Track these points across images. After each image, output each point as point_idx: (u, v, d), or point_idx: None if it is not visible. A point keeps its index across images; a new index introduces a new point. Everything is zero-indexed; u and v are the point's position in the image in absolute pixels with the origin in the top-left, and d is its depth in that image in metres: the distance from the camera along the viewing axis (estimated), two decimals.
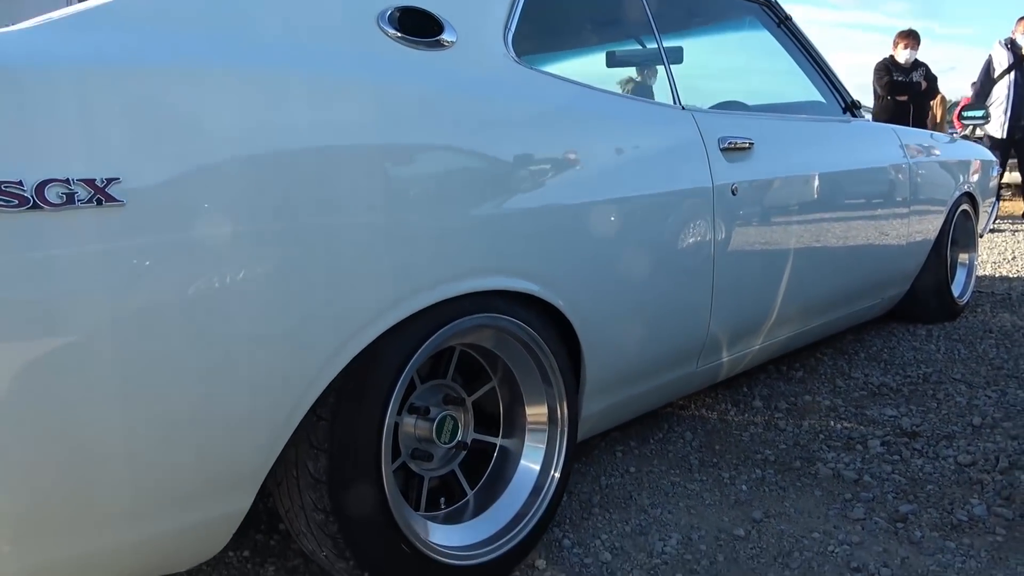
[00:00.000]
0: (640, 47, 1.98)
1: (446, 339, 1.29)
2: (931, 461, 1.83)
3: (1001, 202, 6.28)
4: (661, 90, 1.87)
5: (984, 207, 3.45)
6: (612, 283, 1.58)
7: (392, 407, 1.21)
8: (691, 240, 1.77)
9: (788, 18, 2.44)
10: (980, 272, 4.32)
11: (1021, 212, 6.09)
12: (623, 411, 1.79)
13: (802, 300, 2.26)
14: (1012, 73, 5.71)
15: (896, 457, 1.86)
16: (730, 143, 1.89)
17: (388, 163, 1.18)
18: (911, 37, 5.87)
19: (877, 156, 2.57)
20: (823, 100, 2.55)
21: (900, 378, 2.48)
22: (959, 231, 3.23)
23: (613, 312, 1.59)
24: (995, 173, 3.55)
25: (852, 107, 2.60)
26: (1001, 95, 5.75)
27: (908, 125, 5.84)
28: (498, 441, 1.51)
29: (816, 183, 2.20)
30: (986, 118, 3.54)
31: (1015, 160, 6.44)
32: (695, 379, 1.98)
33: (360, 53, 1.22)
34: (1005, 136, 5.75)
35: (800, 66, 2.54)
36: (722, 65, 2.46)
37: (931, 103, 6.28)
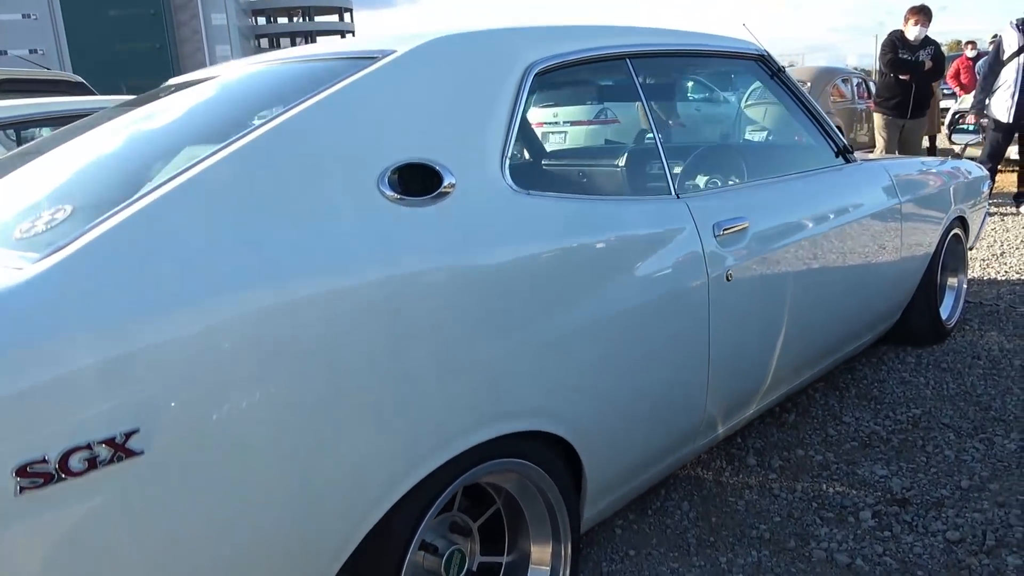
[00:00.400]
0: (636, 136, 1.98)
1: (456, 490, 1.33)
2: (921, 538, 1.90)
3: (997, 174, 6.26)
4: (658, 178, 1.88)
5: (974, 223, 3.48)
6: (613, 398, 1.61)
7: (405, 571, 1.25)
8: (686, 335, 1.80)
9: (781, 70, 2.43)
10: (968, 272, 4.37)
11: (1015, 194, 6.10)
12: (621, 502, 1.84)
13: (798, 360, 2.31)
14: (1022, 56, 5.64)
15: (887, 533, 1.93)
16: (725, 229, 1.90)
17: (394, 335, 1.20)
18: (922, 13, 5.76)
19: (869, 202, 2.59)
20: (816, 146, 2.56)
21: (890, 423, 2.55)
22: (949, 255, 3.27)
23: (614, 426, 1.63)
24: (985, 188, 3.57)
25: (844, 151, 2.60)
26: (1010, 78, 5.67)
27: (909, 103, 5.84)
28: (504, 560, 1.56)
29: (810, 246, 2.23)
30: (978, 132, 3.53)
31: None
32: (690, 455, 2.03)
33: (363, 224, 1.22)
34: (1011, 120, 5.71)
35: (793, 115, 2.54)
36: (724, 116, 2.45)
37: (934, 84, 6.21)
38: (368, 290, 1.17)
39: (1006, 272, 4.42)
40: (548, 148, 1.83)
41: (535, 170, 1.63)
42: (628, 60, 1.89)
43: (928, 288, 3.08)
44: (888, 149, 6.00)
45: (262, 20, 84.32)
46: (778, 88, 2.46)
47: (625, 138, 2.03)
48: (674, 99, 2.07)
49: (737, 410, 2.10)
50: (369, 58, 1.46)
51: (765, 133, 2.71)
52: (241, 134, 1.21)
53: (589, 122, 1.99)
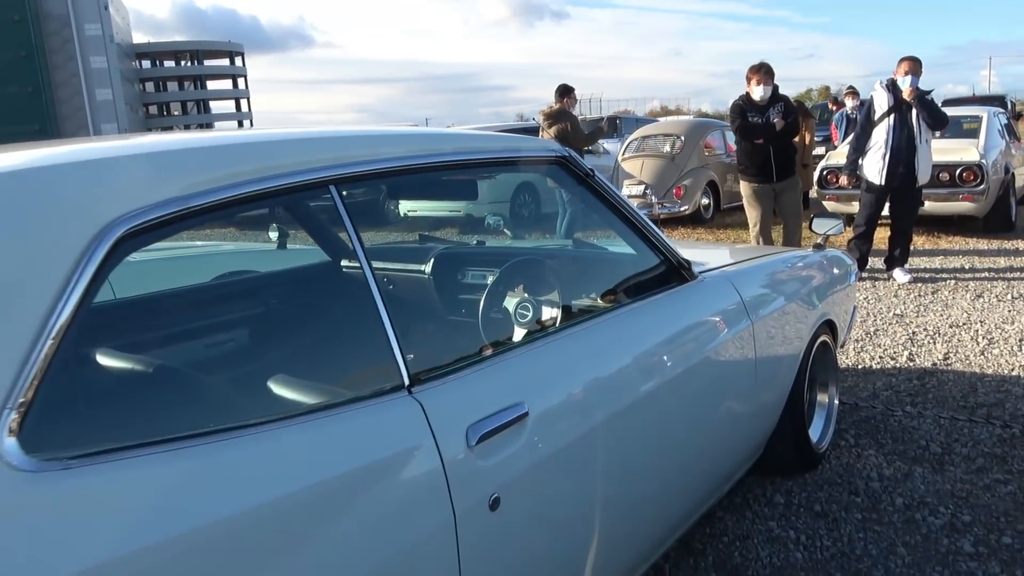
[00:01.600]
0: (343, 302, 1.34)
1: None
2: None
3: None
4: (378, 367, 1.24)
5: (843, 322, 3.04)
6: None
7: None
8: None
9: (590, 174, 1.87)
10: (842, 359, 3.99)
11: (885, 257, 5.88)
12: None
13: (627, 561, 1.71)
14: (892, 116, 5.43)
15: None
16: (486, 432, 1.28)
17: None
18: (761, 71, 5.50)
19: (713, 330, 2.05)
20: (642, 266, 2.00)
21: None
22: (818, 366, 2.80)
23: None
24: (853, 279, 3.16)
25: (680, 267, 2.06)
26: (880, 139, 5.45)
27: (771, 167, 5.52)
28: None
29: (633, 413, 1.64)
30: (838, 224, 3.14)
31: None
32: None
33: None
34: (883, 183, 5.49)
35: (613, 226, 1.98)
36: (503, 247, 1.85)
37: (795, 139, 5.91)
38: None
39: (880, 357, 4.05)
40: (162, 351, 1.16)
41: (99, 410, 0.96)
42: (334, 187, 1.25)
43: (794, 413, 2.58)
44: (762, 222, 5.67)
45: (147, 63, 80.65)
46: (588, 196, 1.89)
47: (320, 309, 1.39)
48: (420, 236, 1.47)
49: None
50: None
51: (568, 261, 2.15)
52: None
53: (248, 291, 1.35)
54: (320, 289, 1.43)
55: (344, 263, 1.22)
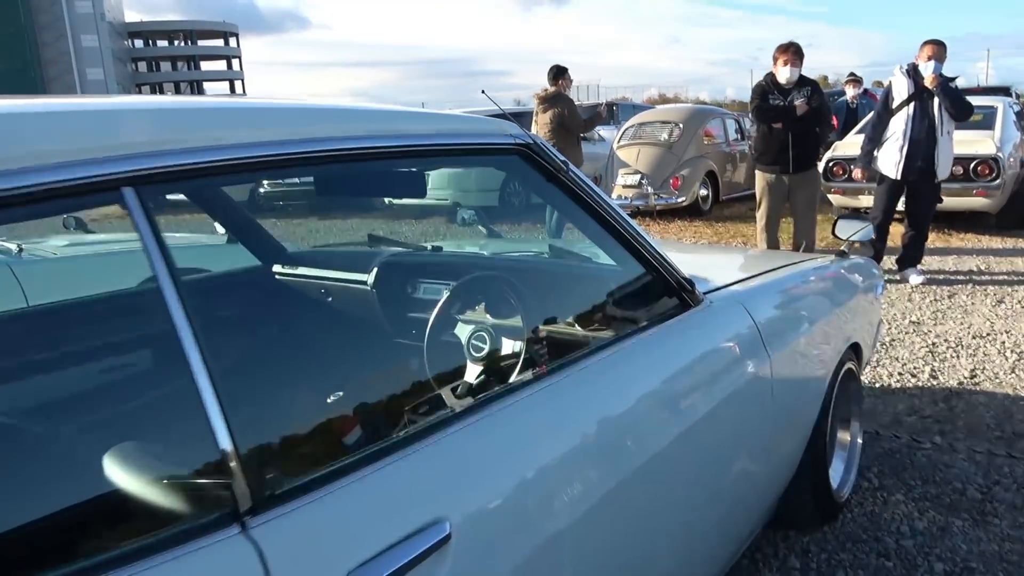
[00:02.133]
0: (151, 386, 0.87)
1: None
2: None
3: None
4: (192, 495, 0.77)
5: (869, 342, 2.59)
6: None
7: None
8: None
9: (562, 168, 1.40)
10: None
11: (898, 256, 5.41)
12: None
13: None
14: (912, 105, 4.95)
15: None
16: None
17: None
18: (790, 51, 4.97)
19: (721, 372, 1.59)
20: (629, 289, 1.54)
21: None
22: (841, 398, 2.34)
23: None
24: (880, 291, 2.70)
25: (681, 289, 1.59)
26: (898, 129, 4.96)
27: (788, 156, 5.01)
28: None
29: (618, 505, 1.18)
30: (867, 228, 2.68)
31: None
32: None
33: None
34: (899, 177, 5.02)
35: (594, 237, 1.51)
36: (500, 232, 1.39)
37: (818, 128, 5.28)
38: None
39: (900, 373, 3.60)
40: None
41: None
42: (130, 189, 0.78)
43: (814, 457, 2.12)
44: (769, 217, 5.19)
45: (139, 43, 79.26)
46: (561, 196, 1.42)
47: (104, 381, 0.91)
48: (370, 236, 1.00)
49: None
50: None
51: (535, 283, 1.67)
52: None
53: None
54: (107, 346, 0.95)
55: (148, 302, 0.74)
